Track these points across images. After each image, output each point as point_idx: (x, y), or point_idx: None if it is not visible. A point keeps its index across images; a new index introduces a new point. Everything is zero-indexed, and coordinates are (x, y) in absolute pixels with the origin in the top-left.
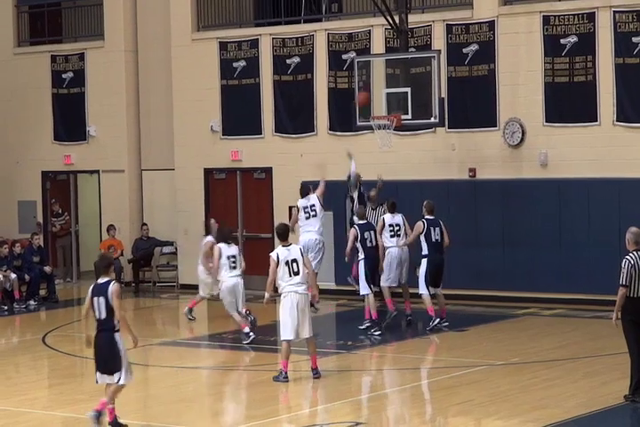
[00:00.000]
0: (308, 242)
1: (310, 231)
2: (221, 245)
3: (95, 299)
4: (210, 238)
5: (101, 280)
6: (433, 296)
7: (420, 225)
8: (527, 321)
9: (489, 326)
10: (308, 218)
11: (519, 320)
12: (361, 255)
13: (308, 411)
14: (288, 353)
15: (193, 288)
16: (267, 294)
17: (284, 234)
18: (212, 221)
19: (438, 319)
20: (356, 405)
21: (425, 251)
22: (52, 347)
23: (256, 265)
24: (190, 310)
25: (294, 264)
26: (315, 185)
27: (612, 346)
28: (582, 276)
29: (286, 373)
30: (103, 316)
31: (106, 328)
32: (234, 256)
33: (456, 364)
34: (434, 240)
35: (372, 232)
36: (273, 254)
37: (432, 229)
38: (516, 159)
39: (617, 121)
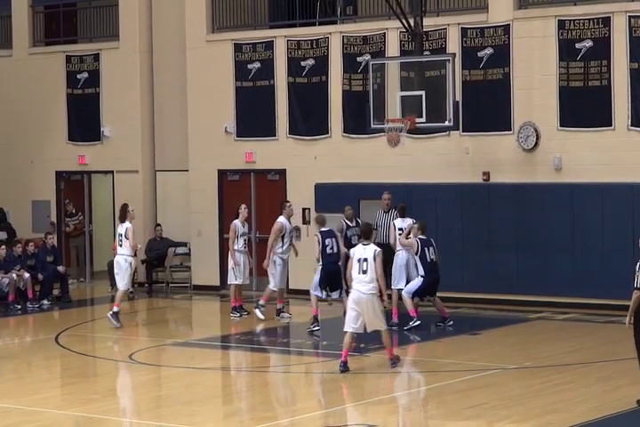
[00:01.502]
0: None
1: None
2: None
3: None
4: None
5: None
6: (422, 300)
7: (413, 243)
8: (540, 325)
9: (502, 330)
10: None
11: (532, 324)
12: (321, 261)
13: (322, 413)
14: (348, 344)
15: (206, 289)
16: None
17: (367, 233)
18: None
19: (418, 322)
20: (368, 407)
21: (421, 271)
22: (64, 346)
23: None
24: (238, 308)
25: (365, 263)
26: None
27: (625, 351)
28: (596, 280)
29: (345, 363)
30: None
31: None
32: (121, 235)
33: (469, 367)
34: (429, 260)
35: (334, 239)
36: (351, 250)
37: (426, 249)
38: (530, 163)
39: (631, 125)
